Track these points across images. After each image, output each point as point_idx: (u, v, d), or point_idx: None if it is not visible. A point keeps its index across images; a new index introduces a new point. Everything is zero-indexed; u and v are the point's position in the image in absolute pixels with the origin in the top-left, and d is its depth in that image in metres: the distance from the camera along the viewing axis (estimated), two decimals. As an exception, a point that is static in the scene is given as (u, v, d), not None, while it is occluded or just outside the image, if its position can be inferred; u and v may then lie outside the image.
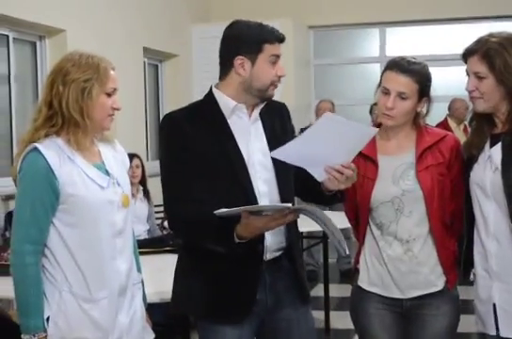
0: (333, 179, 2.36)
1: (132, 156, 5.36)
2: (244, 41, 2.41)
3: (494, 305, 2.46)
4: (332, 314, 5.31)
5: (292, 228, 2.53)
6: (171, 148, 2.43)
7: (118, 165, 2.46)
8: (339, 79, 8.63)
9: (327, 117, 2.31)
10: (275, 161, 2.44)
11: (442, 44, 8.13)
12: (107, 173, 2.38)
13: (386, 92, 2.60)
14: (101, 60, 2.35)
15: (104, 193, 2.34)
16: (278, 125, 2.56)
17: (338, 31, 8.56)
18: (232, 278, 2.41)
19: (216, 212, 2.21)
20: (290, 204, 2.23)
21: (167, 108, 7.17)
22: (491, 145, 2.47)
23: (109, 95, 2.35)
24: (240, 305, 2.43)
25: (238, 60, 2.41)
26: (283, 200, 2.45)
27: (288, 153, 2.34)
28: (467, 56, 2.47)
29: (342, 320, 4.84)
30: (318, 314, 5.12)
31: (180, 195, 2.39)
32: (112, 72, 2.36)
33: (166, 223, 5.29)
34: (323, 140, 2.31)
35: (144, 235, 5.31)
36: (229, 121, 2.45)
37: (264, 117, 2.52)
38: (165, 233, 5.36)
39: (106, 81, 2.33)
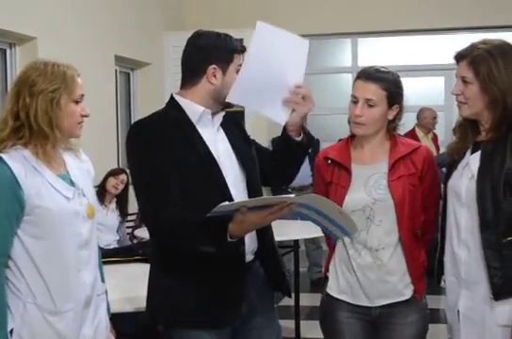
0: (294, 104, 2.44)
1: (120, 171, 5.48)
2: (217, 51, 2.43)
3: (458, 312, 2.46)
4: (303, 323, 5.29)
5: (267, 231, 2.53)
6: (147, 151, 2.37)
7: (83, 175, 2.42)
8: (311, 88, 8.65)
9: (261, 24, 2.34)
10: (241, 163, 2.49)
11: (414, 55, 8.19)
12: (72, 184, 2.34)
13: (355, 101, 2.62)
14: (67, 68, 2.31)
15: (69, 204, 2.29)
16: (237, 132, 2.60)
17: (310, 41, 8.57)
18: (215, 280, 2.38)
19: (215, 208, 2.15)
20: (293, 195, 2.21)
21: (138, 117, 7.06)
22: (472, 152, 2.46)
23: (77, 102, 2.32)
24: (226, 307, 2.40)
25: (211, 69, 2.42)
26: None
27: (241, 89, 2.36)
28: (458, 59, 2.45)
29: (312, 329, 4.82)
30: (288, 324, 5.11)
31: (161, 198, 2.33)
32: (79, 79, 2.33)
33: (136, 232, 5.28)
34: (267, 59, 2.33)
35: (114, 245, 5.33)
36: (196, 126, 2.45)
37: (223, 125, 2.55)
38: (135, 242, 5.37)
39: (74, 88, 2.30)
